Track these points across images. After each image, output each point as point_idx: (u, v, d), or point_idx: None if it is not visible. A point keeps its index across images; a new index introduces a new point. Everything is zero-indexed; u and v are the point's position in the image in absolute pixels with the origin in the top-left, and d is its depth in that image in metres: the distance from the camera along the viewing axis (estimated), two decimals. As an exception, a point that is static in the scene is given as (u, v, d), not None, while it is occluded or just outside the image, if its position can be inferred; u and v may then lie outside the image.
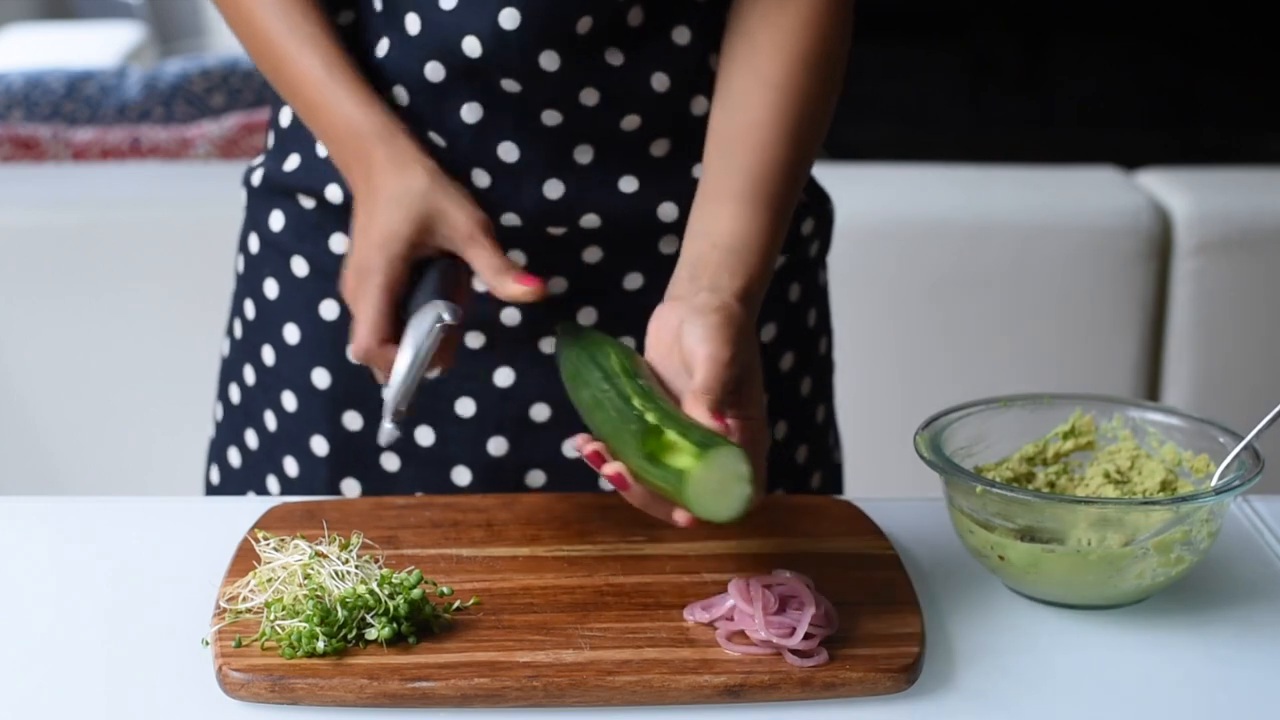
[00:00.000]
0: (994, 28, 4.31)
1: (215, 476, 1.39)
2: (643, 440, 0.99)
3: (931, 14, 4.24)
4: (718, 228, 1.13)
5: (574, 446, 1.05)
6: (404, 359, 1.10)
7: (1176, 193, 2.35)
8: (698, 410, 1.02)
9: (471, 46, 1.17)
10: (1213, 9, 4.18)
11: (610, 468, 1.01)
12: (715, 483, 0.96)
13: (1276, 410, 1.10)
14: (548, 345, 1.26)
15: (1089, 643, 1.06)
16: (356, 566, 1.05)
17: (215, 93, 2.76)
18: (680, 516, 0.99)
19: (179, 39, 5.04)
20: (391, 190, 1.14)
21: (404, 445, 1.28)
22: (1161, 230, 2.30)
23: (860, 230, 2.22)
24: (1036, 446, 1.19)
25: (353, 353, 1.14)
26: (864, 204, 2.25)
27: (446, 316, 1.10)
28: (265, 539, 1.08)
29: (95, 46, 4.20)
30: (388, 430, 1.10)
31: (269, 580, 1.05)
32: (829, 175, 1.38)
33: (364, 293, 1.13)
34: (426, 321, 1.10)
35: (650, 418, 1.00)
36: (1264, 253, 2.31)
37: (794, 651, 0.99)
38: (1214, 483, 1.11)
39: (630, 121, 1.21)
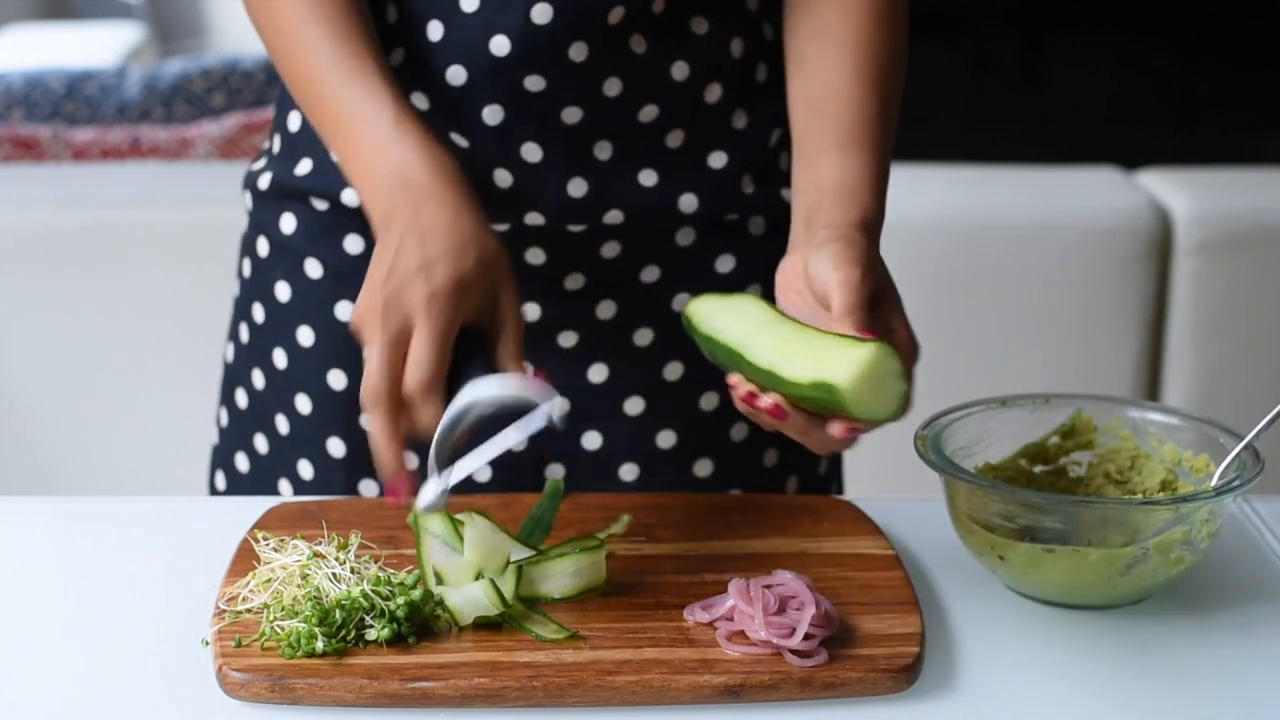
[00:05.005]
0: (994, 26, 4.31)
1: (221, 482, 1.38)
2: (793, 361, 1.00)
3: (931, 13, 4.24)
4: (821, 177, 1.14)
5: (735, 394, 1.04)
6: (504, 439, 1.02)
7: (1176, 193, 2.35)
8: (845, 330, 1.02)
9: (500, 46, 1.17)
10: (1213, 8, 4.18)
11: (766, 400, 1.02)
12: (872, 382, 0.98)
13: (1276, 410, 1.10)
14: (565, 339, 1.26)
15: (1089, 643, 1.06)
16: (353, 569, 1.05)
17: (215, 93, 2.76)
18: (837, 429, 1.00)
19: (179, 39, 5.03)
20: (474, 235, 1.06)
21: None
22: (1161, 230, 2.30)
23: (860, 230, 2.22)
24: (1036, 446, 1.19)
25: (411, 382, 1.02)
26: (864, 204, 2.25)
27: (555, 416, 1.03)
28: (265, 539, 1.08)
29: (95, 46, 4.20)
30: (433, 496, 1.02)
31: (268, 581, 1.05)
32: (829, 175, 1.38)
33: (430, 328, 1.03)
34: (539, 418, 1.03)
35: (799, 336, 1.02)
36: (1264, 253, 2.31)
37: (794, 651, 0.99)
38: (1214, 483, 1.11)
39: (648, 113, 1.22)
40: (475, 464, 1.03)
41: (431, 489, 1.03)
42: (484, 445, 1.04)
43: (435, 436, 1.02)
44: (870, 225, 1.11)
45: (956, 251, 2.31)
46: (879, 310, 1.06)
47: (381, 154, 1.10)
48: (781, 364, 1.01)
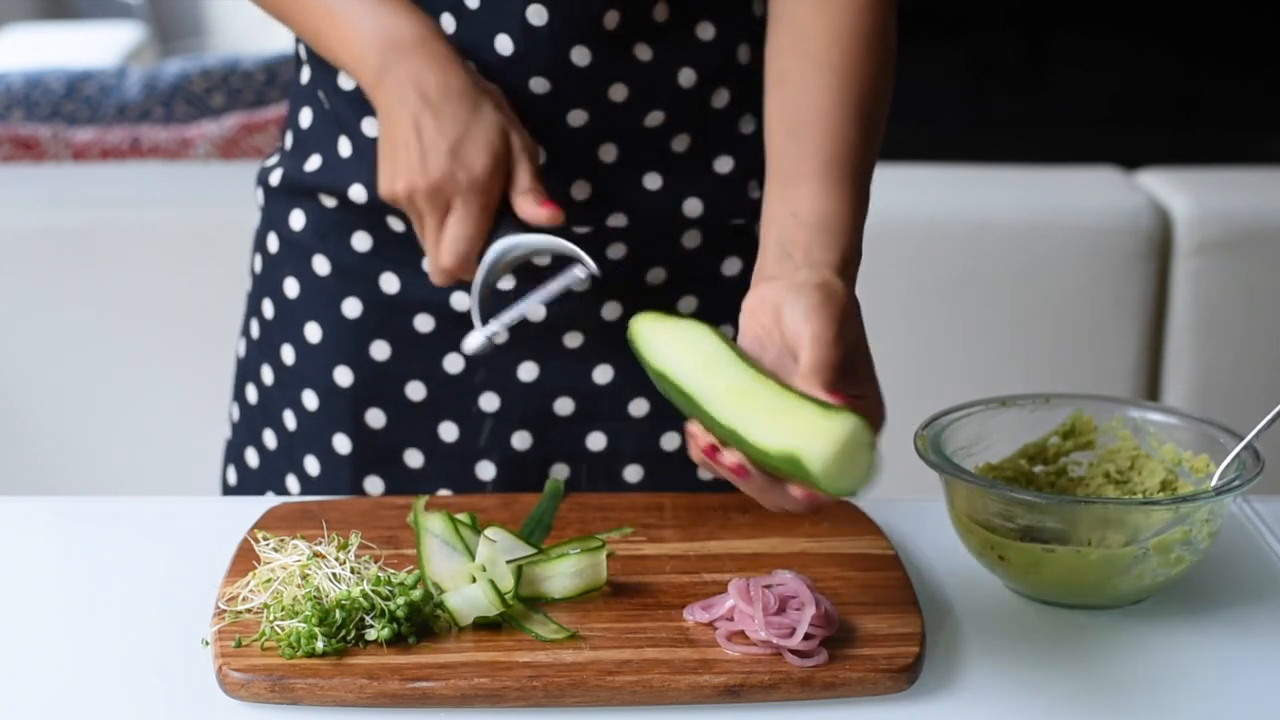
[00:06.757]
0: (995, 27, 4.30)
1: (232, 478, 1.39)
2: (758, 421, 0.97)
3: (932, 13, 4.24)
4: (800, 206, 1.10)
5: (694, 446, 1.01)
6: (534, 299, 1.14)
7: (1176, 193, 2.35)
8: (812, 390, 0.99)
9: (503, 45, 1.18)
10: (1213, 8, 4.18)
11: (730, 458, 0.98)
12: (844, 457, 0.94)
13: (1276, 410, 1.11)
14: (571, 340, 1.27)
15: (1089, 643, 1.06)
16: (353, 569, 1.05)
17: (215, 93, 2.76)
18: (799, 493, 0.97)
19: (179, 39, 5.03)
20: (474, 95, 1.13)
21: (428, 441, 1.28)
22: (1161, 230, 2.30)
23: (860, 230, 2.22)
24: (1036, 446, 1.19)
25: (446, 260, 1.13)
26: (864, 204, 2.25)
27: (581, 276, 1.12)
28: (265, 539, 1.08)
29: (95, 46, 4.19)
30: (479, 342, 1.12)
31: (268, 581, 1.05)
32: (829, 175, 1.38)
33: (469, 204, 1.11)
34: (569, 277, 1.12)
35: (763, 392, 0.98)
36: (1264, 253, 2.31)
37: (794, 651, 0.99)
38: (1214, 483, 1.11)
39: (654, 118, 1.22)
40: (516, 315, 1.14)
41: (476, 336, 1.13)
42: (523, 299, 1.15)
43: (474, 288, 1.13)
44: (850, 269, 1.09)
45: (956, 251, 2.31)
46: (852, 374, 1.03)
47: (364, 22, 1.15)
48: (747, 425, 0.97)
